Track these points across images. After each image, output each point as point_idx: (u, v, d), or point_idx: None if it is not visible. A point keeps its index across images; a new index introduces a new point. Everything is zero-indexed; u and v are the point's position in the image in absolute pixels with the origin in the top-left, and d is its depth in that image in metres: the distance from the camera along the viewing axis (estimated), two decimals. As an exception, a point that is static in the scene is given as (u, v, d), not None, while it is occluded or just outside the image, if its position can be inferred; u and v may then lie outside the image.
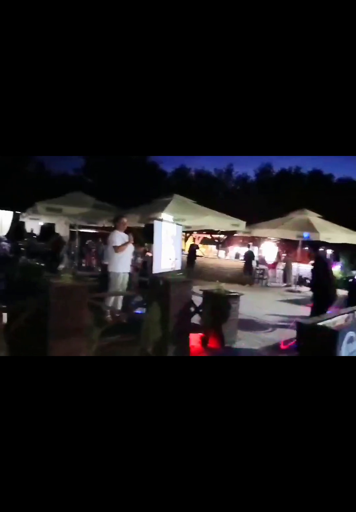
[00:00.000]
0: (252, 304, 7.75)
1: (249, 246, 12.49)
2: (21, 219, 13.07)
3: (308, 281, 10.59)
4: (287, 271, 11.43)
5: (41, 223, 13.91)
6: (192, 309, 4.54)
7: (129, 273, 5.15)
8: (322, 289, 4.63)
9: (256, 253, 14.63)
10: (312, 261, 4.88)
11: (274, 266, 12.15)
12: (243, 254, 13.13)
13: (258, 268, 11.82)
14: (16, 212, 13.28)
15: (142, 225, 7.95)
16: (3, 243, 11.45)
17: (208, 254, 15.02)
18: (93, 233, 15.63)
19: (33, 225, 13.30)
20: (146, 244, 8.88)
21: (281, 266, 12.44)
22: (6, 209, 13.41)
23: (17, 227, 14.41)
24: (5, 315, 3.19)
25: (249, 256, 11.32)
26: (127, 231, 5.17)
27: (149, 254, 8.87)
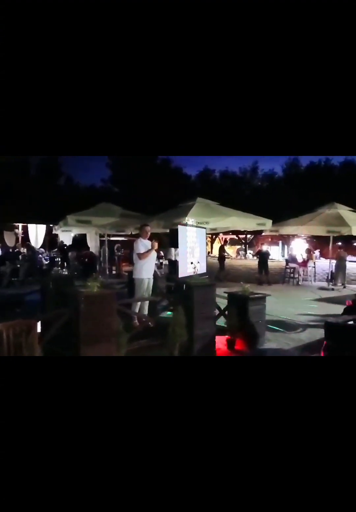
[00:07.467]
0: (282, 304, 7.59)
1: (261, 244, 12.22)
2: (54, 232, 13.74)
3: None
4: (339, 268, 10.25)
5: (72, 234, 14.54)
6: (216, 312, 4.56)
7: (155, 278, 5.26)
8: None
9: (285, 252, 14.18)
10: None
11: (305, 264, 11.73)
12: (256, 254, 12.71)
13: (288, 267, 11.52)
14: (49, 225, 14.00)
15: (167, 231, 8.09)
16: (40, 256, 12.13)
17: (235, 255, 14.78)
18: (122, 240, 16.06)
19: (66, 236, 13.93)
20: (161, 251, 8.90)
21: (311, 263, 11.96)
22: (40, 223, 14.18)
23: (50, 239, 15.17)
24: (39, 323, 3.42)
25: (263, 256, 11.14)
26: (151, 237, 5.28)
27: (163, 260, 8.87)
